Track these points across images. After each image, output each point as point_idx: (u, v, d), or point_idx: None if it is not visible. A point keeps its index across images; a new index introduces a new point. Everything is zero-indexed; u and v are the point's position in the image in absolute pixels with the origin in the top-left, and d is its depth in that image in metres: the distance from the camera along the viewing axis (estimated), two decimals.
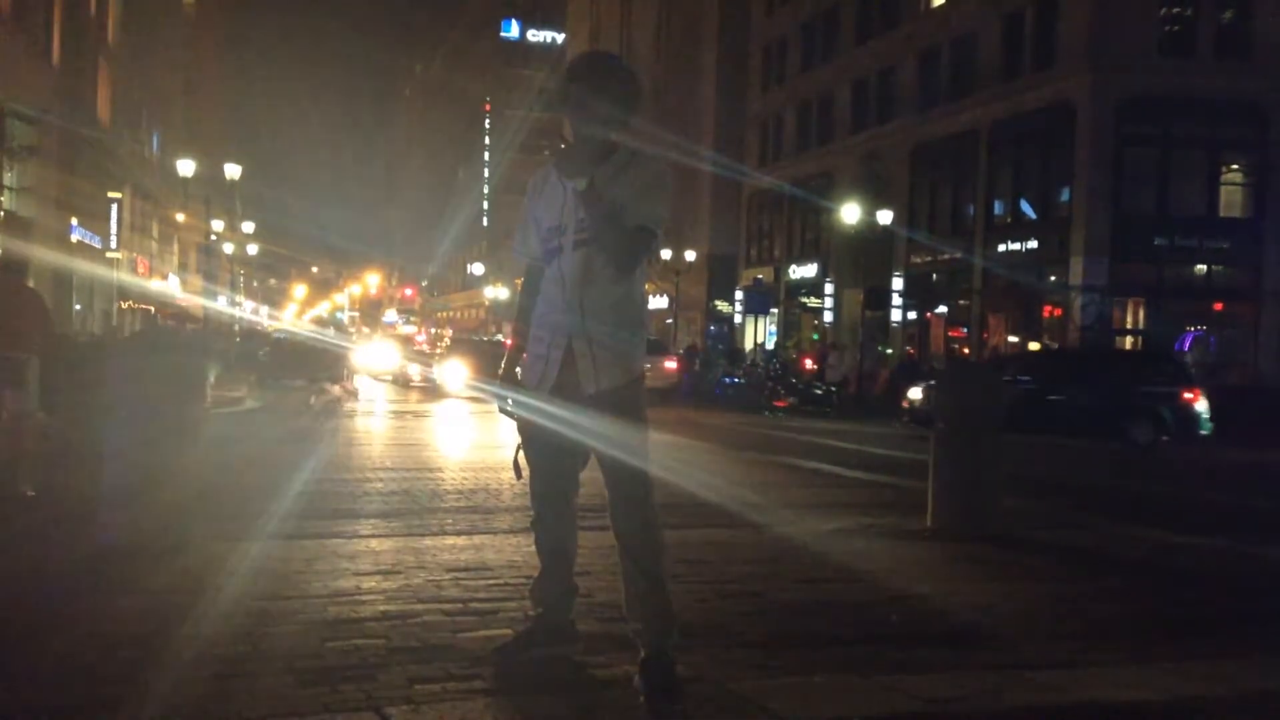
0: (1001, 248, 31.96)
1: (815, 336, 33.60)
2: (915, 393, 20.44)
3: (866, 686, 3.82)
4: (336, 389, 22.25)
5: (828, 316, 41.45)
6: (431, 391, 28.79)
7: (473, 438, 16.07)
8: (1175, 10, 29.39)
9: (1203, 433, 18.04)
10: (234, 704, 3.37)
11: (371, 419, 19.75)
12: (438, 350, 41.05)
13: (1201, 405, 18.04)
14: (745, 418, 22.63)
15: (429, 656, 3.93)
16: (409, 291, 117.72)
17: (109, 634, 4.09)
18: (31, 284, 10.02)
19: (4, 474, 7.97)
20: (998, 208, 33.25)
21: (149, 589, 4.83)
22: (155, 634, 4.09)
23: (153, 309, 40.91)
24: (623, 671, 3.71)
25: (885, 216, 32.70)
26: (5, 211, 25.15)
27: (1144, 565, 6.52)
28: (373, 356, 38.57)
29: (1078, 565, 6.36)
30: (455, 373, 27.68)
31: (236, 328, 33.72)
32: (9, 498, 7.76)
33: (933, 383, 20.51)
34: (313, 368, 26.65)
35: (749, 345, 43.99)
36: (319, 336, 34.60)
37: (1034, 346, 29.87)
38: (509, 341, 4.13)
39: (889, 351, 35.72)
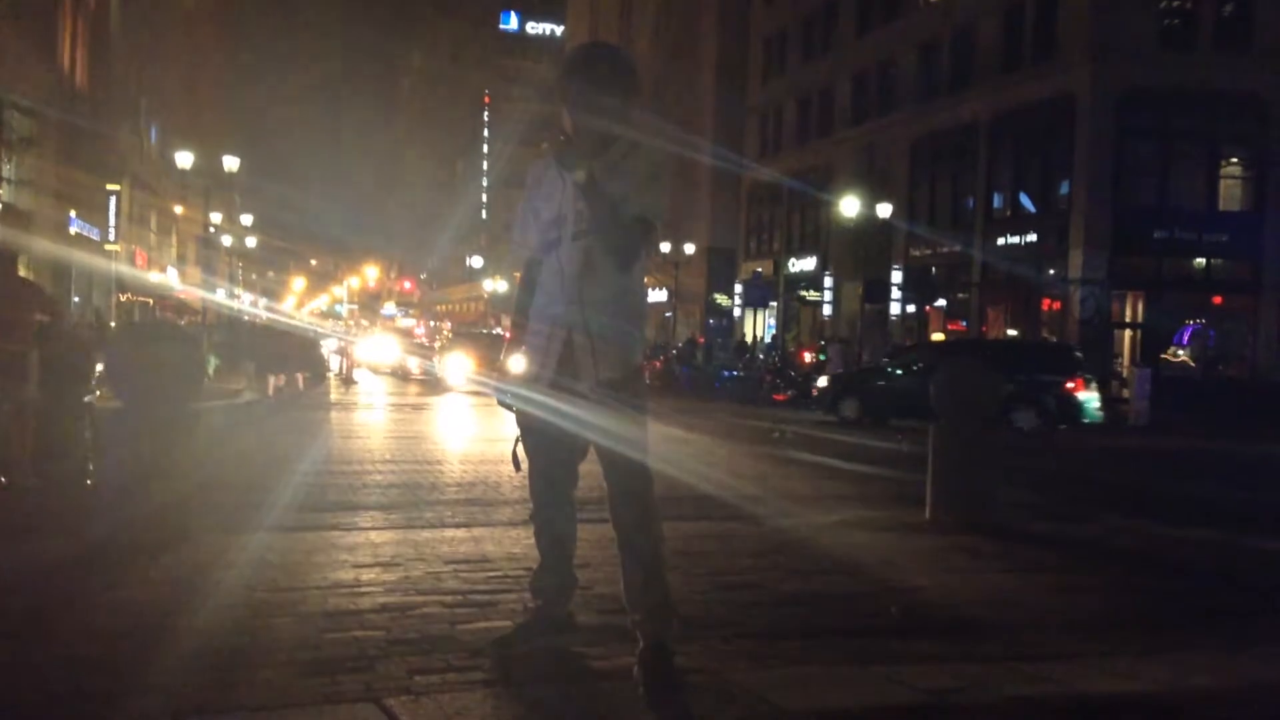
0: (1001, 241, 31.95)
1: (823, 341, 33.52)
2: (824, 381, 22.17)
3: (865, 677, 3.83)
4: (298, 378, 21.75)
5: (827, 310, 41.44)
6: (431, 384, 28.81)
7: (472, 430, 16.08)
8: (1176, 3, 29.35)
9: (1087, 420, 18.40)
10: (234, 695, 3.38)
11: (371, 412, 19.76)
12: (437, 343, 41.05)
13: (1085, 395, 18.48)
14: (745, 411, 22.64)
15: (428, 648, 3.94)
16: (408, 285, 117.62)
17: (108, 626, 4.10)
18: (23, 274, 9.92)
19: (3, 464, 7.99)
20: (997, 201, 33.23)
21: (148, 581, 4.84)
22: (155, 626, 4.10)
23: (151, 301, 40.87)
24: (622, 663, 3.72)
25: (885, 209, 32.69)
26: (4, 203, 25.14)
27: (1141, 557, 6.53)
28: (372, 349, 38.58)
29: (1075, 557, 6.37)
30: (457, 366, 27.67)
31: (203, 317, 33.41)
32: (9, 488, 7.79)
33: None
34: (287, 357, 26.36)
35: (749, 339, 44.02)
36: (301, 326, 34.46)
37: (937, 337, 30.51)
38: (509, 335, 4.13)
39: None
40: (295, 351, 26.46)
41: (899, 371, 20.15)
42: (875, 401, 19.81)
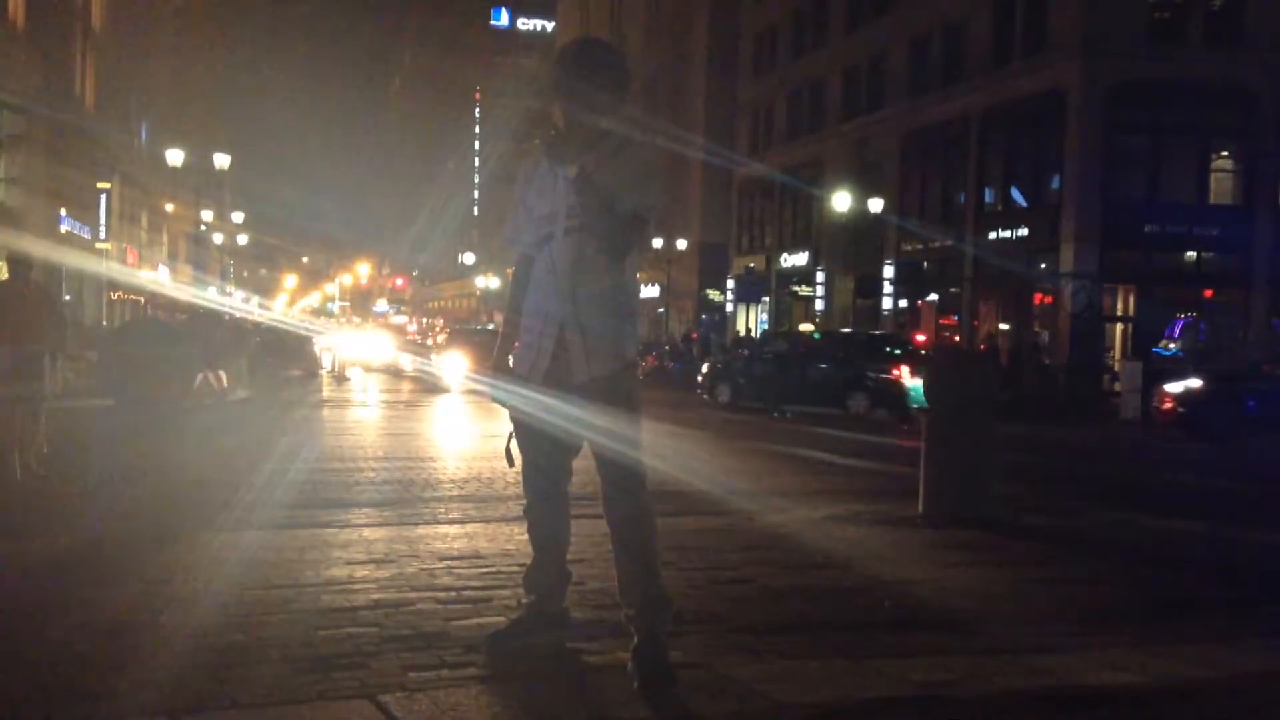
0: (992, 235, 31.98)
1: (816, 335, 33.67)
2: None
3: (859, 671, 3.84)
4: (220, 376, 20.43)
5: (819, 305, 41.48)
6: (425, 381, 28.76)
7: (465, 427, 16.06)
8: None
9: (912, 406, 18.87)
10: (228, 692, 3.38)
11: (364, 409, 19.74)
12: (429, 340, 41.00)
13: (909, 382, 19.31)
14: (737, 405, 22.63)
15: (422, 644, 3.94)
16: (400, 281, 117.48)
17: (103, 623, 4.09)
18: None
19: (12, 456, 8.34)
20: (988, 195, 33.26)
21: (143, 578, 4.83)
22: (149, 623, 4.09)
23: (142, 299, 40.74)
24: (616, 658, 3.72)
25: (876, 204, 32.71)
26: None
27: (1133, 549, 6.55)
28: (364, 346, 38.54)
29: (1068, 550, 6.39)
30: (454, 364, 27.61)
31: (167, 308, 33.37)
32: (22, 477, 8.08)
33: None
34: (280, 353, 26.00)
35: (741, 333, 44.03)
36: (292, 324, 34.27)
37: (805, 327, 31.56)
38: (502, 330, 4.13)
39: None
40: (287, 348, 26.32)
41: (761, 360, 22.78)
42: (741, 387, 22.06)
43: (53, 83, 29.07)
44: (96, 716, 3.19)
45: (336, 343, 34.31)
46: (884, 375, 20.19)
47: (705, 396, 22.59)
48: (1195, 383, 18.58)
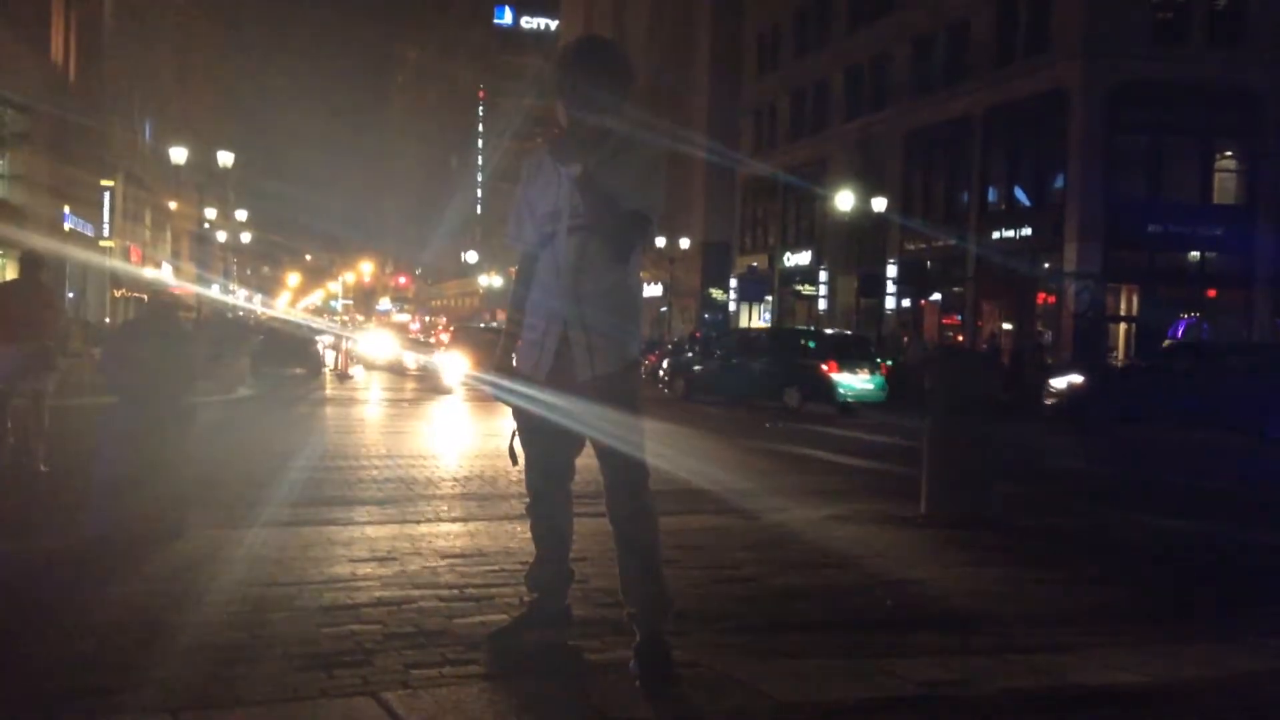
0: (995, 234, 31.98)
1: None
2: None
3: (860, 670, 3.84)
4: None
5: (822, 304, 41.47)
6: (428, 380, 28.77)
7: (467, 425, 16.08)
8: None
9: (838, 400, 21.06)
10: (231, 690, 3.38)
11: (367, 407, 19.76)
12: (432, 339, 41.04)
13: (838, 376, 21.16)
14: (738, 404, 22.63)
15: (425, 642, 3.94)
16: (403, 280, 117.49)
17: (106, 621, 4.10)
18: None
19: (20, 451, 8.55)
20: (992, 194, 33.26)
21: (146, 576, 4.84)
22: (152, 621, 4.10)
23: (146, 297, 40.75)
24: (618, 656, 3.73)
25: (879, 203, 32.70)
26: None
27: (1134, 549, 6.54)
28: (368, 344, 38.59)
29: (1068, 550, 6.38)
30: (457, 363, 27.63)
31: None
32: (25, 472, 8.21)
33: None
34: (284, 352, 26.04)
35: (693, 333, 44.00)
36: (295, 322, 34.24)
37: (757, 325, 32.84)
38: (505, 329, 4.13)
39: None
40: (289, 346, 26.31)
41: (711, 357, 24.27)
42: (694, 381, 23.60)
43: (57, 81, 29.11)
44: (99, 713, 3.19)
45: (345, 342, 34.27)
46: (814, 370, 21.36)
47: (665, 391, 24.22)
48: (1077, 378, 19.90)
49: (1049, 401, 19.56)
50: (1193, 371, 18.18)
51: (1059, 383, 19.80)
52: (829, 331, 30.26)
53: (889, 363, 24.23)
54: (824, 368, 21.28)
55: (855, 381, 21.36)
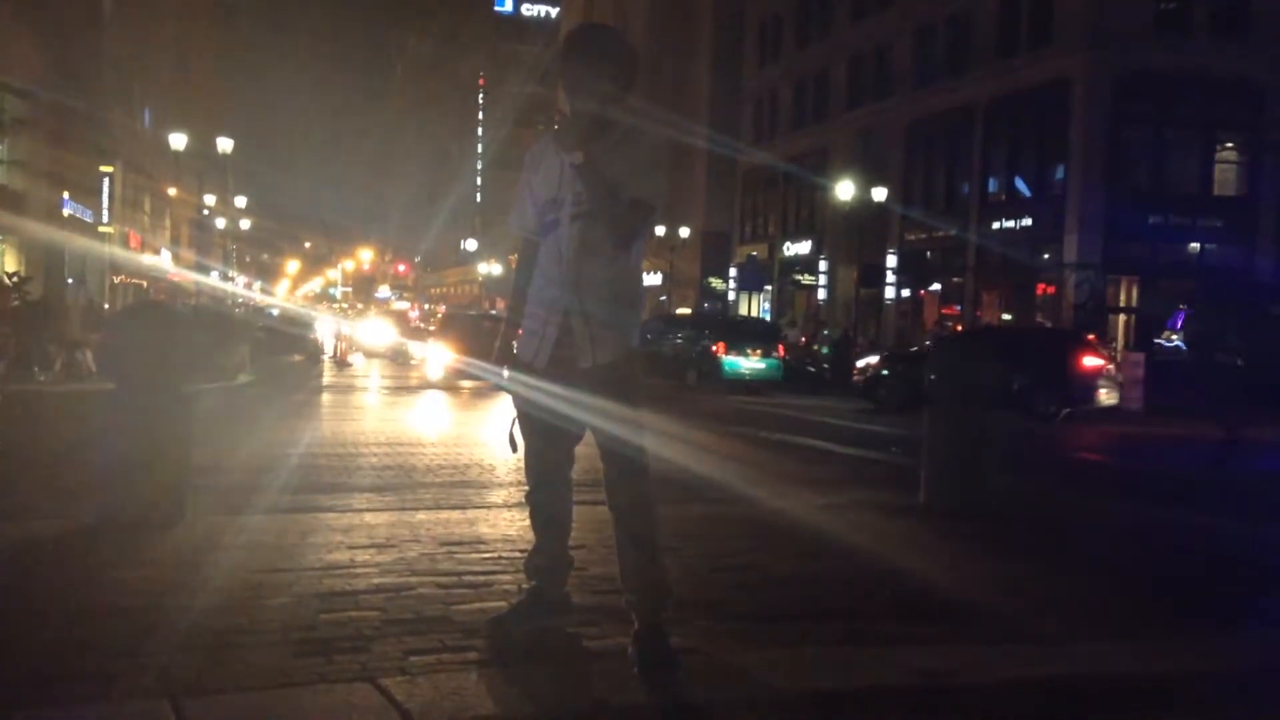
0: (996, 225, 31.95)
1: (827, 332, 33.95)
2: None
3: (859, 659, 3.85)
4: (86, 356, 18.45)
5: (822, 294, 41.45)
6: (425, 367, 28.77)
7: (467, 412, 16.08)
8: None
9: (725, 377, 23.56)
10: (230, 675, 3.39)
11: (366, 395, 19.76)
12: (432, 326, 41.02)
13: (724, 358, 23.78)
14: (738, 393, 22.66)
15: (423, 628, 3.95)
16: (402, 267, 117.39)
17: (104, 607, 4.10)
18: (14, 256, 10.40)
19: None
20: (993, 185, 33.21)
21: (145, 561, 4.84)
22: (151, 607, 4.10)
23: (145, 283, 40.77)
24: (617, 643, 3.73)
25: (880, 194, 32.64)
26: None
27: (1133, 541, 6.55)
28: (367, 332, 38.58)
29: (1068, 541, 6.39)
30: (448, 350, 27.62)
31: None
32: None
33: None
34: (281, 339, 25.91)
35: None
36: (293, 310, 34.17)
37: (682, 311, 37.79)
38: (506, 317, 4.13)
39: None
40: (288, 333, 26.24)
41: (643, 339, 25.44)
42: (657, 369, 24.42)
43: (57, 67, 29.04)
44: (97, 698, 3.19)
45: (345, 330, 34.27)
46: (706, 352, 24.21)
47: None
48: (873, 359, 22.43)
49: (856, 379, 22.06)
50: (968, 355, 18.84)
51: (862, 363, 22.51)
52: (741, 317, 33.98)
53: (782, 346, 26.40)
54: (714, 350, 24.06)
55: (745, 363, 23.99)
